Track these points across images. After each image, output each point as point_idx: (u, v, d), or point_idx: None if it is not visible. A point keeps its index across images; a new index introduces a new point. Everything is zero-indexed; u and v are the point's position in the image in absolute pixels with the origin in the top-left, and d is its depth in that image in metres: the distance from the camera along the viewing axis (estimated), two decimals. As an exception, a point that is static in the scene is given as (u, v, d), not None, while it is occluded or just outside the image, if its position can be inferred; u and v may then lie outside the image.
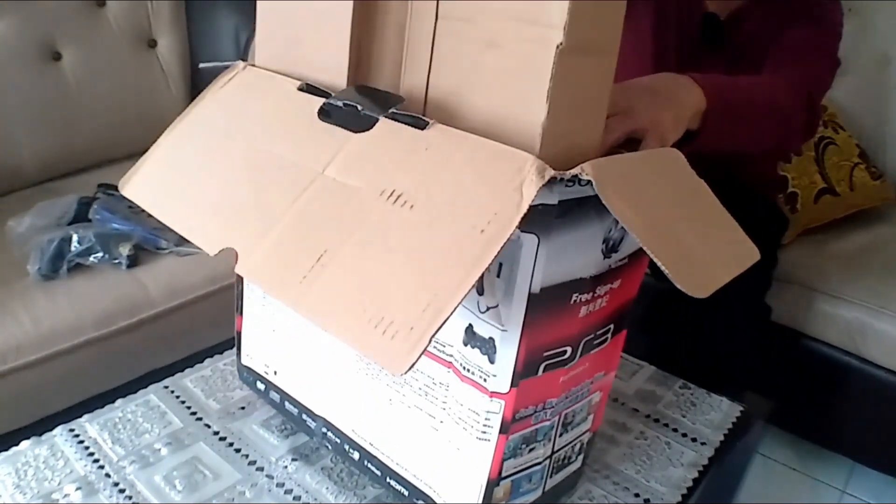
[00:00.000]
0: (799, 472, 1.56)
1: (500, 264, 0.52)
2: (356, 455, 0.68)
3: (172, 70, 1.62)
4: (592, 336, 0.59)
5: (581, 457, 0.69)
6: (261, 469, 0.71)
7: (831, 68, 1.04)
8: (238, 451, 0.73)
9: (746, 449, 0.85)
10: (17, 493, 0.67)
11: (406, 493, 0.64)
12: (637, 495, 0.71)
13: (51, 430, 0.74)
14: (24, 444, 0.72)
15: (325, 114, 0.58)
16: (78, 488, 0.67)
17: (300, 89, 0.62)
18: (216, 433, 0.75)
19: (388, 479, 0.66)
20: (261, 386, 0.77)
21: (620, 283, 0.59)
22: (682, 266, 0.48)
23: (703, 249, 0.52)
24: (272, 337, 0.73)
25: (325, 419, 0.70)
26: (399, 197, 0.49)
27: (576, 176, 0.46)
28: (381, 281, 0.46)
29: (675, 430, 0.81)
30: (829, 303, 1.39)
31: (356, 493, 0.68)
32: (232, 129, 0.63)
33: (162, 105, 1.60)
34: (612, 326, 0.62)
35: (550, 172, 0.45)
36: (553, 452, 0.63)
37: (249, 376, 0.78)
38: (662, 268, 0.46)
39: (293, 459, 0.72)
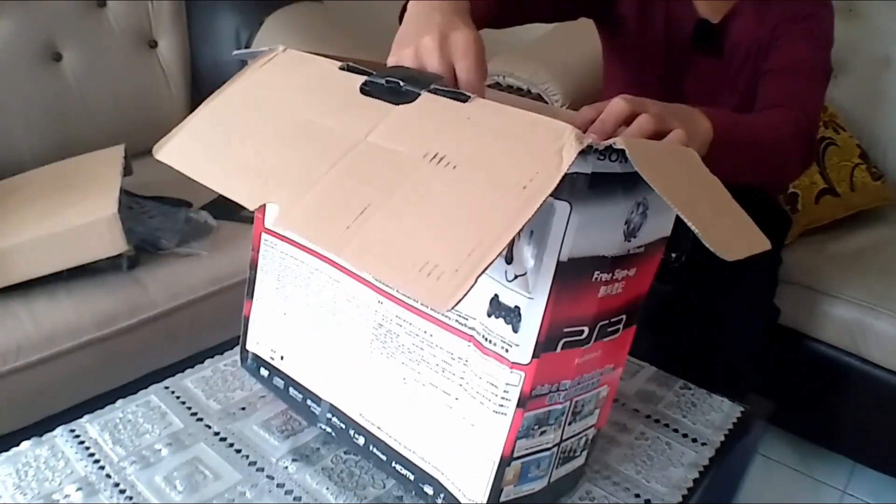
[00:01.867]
0: (799, 473, 1.56)
1: (532, 232, 0.54)
2: (361, 440, 0.68)
3: (173, 70, 1.62)
4: (607, 322, 0.61)
5: (585, 453, 0.69)
6: (261, 470, 0.71)
7: (824, 85, 1.05)
8: (238, 451, 0.73)
9: (747, 449, 0.85)
10: (17, 493, 0.67)
11: (412, 477, 0.65)
12: (637, 496, 0.71)
13: (51, 430, 0.74)
14: (25, 444, 0.73)
15: (366, 90, 0.60)
16: (78, 489, 0.67)
17: (342, 69, 0.63)
18: (217, 434, 0.75)
19: (393, 464, 0.66)
20: (264, 373, 0.77)
21: (636, 272, 0.60)
22: (713, 229, 0.49)
23: (724, 225, 0.54)
24: (282, 321, 0.74)
25: (330, 404, 0.70)
26: (442, 159, 0.51)
27: (610, 146, 0.49)
28: (425, 231, 0.48)
29: (675, 430, 0.81)
30: (830, 303, 1.38)
31: (357, 493, 0.68)
32: (272, 100, 0.65)
33: (162, 105, 1.60)
34: (624, 317, 0.63)
35: (587, 140, 0.48)
36: (561, 440, 0.64)
37: (253, 363, 0.78)
38: (692, 225, 0.47)
39: (294, 460, 0.72)
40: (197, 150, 0.65)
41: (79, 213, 1.12)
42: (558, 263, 0.53)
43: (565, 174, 0.46)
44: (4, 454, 0.71)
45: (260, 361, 0.77)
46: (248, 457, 0.72)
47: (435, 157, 0.51)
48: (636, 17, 1.08)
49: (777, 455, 1.58)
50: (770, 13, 1.04)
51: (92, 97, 1.49)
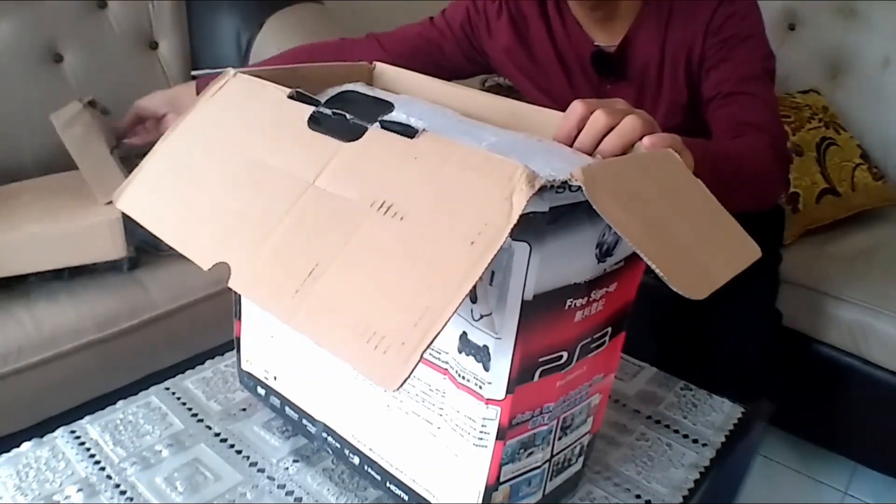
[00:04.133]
0: (801, 474, 1.55)
1: (493, 272, 0.52)
2: (356, 460, 0.68)
3: (173, 72, 1.62)
4: (589, 340, 0.59)
5: (581, 458, 0.69)
6: (262, 470, 0.71)
7: (771, 79, 0.99)
8: (239, 452, 0.73)
9: (748, 450, 0.85)
10: (18, 494, 0.67)
11: (406, 497, 0.64)
12: (638, 496, 0.71)
13: (52, 431, 0.74)
14: (26, 445, 0.73)
15: (315, 122, 0.58)
16: (79, 490, 0.67)
17: (290, 97, 0.62)
18: (217, 434, 0.75)
19: (388, 484, 0.65)
20: (261, 391, 0.77)
21: (617, 286, 0.59)
22: (679, 268, 0.47)
23: (702, 249, 0.51)
24: (271, 342, 0.73)
25: (325, 424, 0.70)
26: (389, 208, 0.49)
27: (566, 182, 0.46)
28: (373, 295, 0.46)
29: (676, 431, 0.81)
30: (831, 304, 1.38)
31: (357, 494, 0.68)
32: (223, 140, 0.63)
33: (163, 107, 1.60)
34: (609, 329, 0.61)
35: (540, 181, 0.45)
36: (552, 456, 0.63)
37: (250, 381, 0.78)
38: (657, 270, 0.45)
39: (294, 461, 0.72)
40: (152, 199, 0.64)
41: (82, 214, 1.13)
42: (523, 303, 0.51)
43: (521, 215, 0.44)
44: (5, 455, 0.71)
45: (255, 380, 0.77)
46: (248, 458, 0.72)
47: (382, 205, 0.49)
48: (549, 50, 1.06)
49: (778, 456, 1.57)
50: (672, 30, 0.99)
51: (91, 97, 1.49)
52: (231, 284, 0.53)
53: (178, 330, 1.19)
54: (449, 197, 0.48)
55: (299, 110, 0.59)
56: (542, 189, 0.45)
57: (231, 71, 0.68)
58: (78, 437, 0.74)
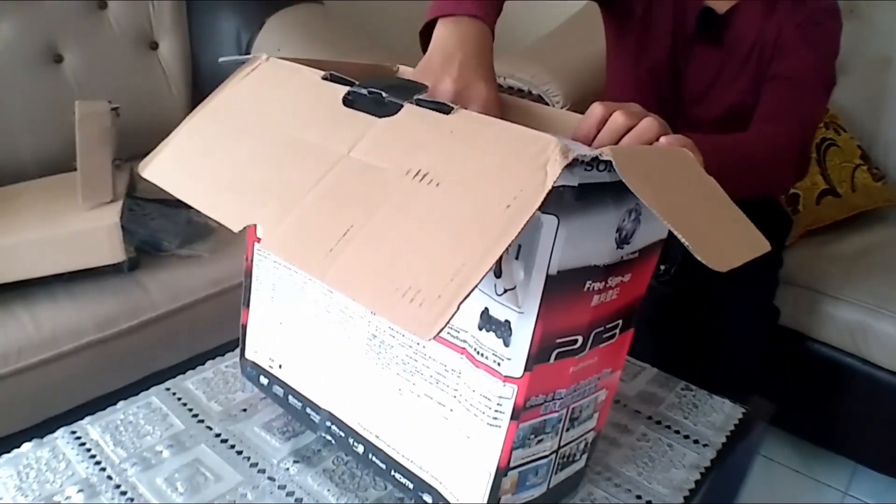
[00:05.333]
0: (801, 474, 1.55)
1: (519, 246, 0.53)
2: (360, 448, 0.68)
3: (174, 72, 1.62)
4: (602, 329, 0.60)
5: (585, 456, 0.69)
6: (262, 471, 0.71)
7: (825, 97, 1.07)
8: (240, 453, 0.73)
9: (748, 451, 0.85)
10: (18, 495, 0.67)
11: (411, 485, 0.64)
12: (639, 497, 0.71)
13: (52, 432, 0.74)
14: (26, 446, 0.72)
15: (349, 101, 0.59)
16: (79, 490, 0.67)
17: (324, 78, 0.62)
18: (218, 435, 0.75)
19: (392, 473, 0.66)
20: (264, 381, 0.77)
21: (630, 277, 0.60)
22: (703, 239, 0.49)
23: (718, 233, 0.53)
24: (279, 330, 0.73)
25: (329, 412, 0.70)
26: (425, 176, 0.50)
27: (596, 158, 0.48)
28: (408, 253, 0.47)
29: (676, 431, 0.81)
30: (831, 304, 1.38)
31: (357, 494, 0.68)
32: (255, 114, 0.64)
33: (163, 107, 1.60)
34: (620, 322, 0.62)
35: (573, 153, 0.46)
36: (559, 447, 0.64)
37: (253, 371, 0.78)
38: (683, 239, 0.46)
39: (295, 461, 0.72)
40: (181, 168, 0.65)
41: (81, 218, 1.13)
42: (547, 277, 0.52)
43: (551, 188, 0.45)
44: (5, 456, 0.71)
45: (259, 370, 0.77)
46: (249, 458, 0.72)
47: (417, 174, 0.50)
48: (645, 6, 1.08)
49: (778, 456, 1.57)
50: (777, 11, 1.04)
51: (93, 98, 1.49)
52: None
53: (178, 330, 1.19)
54: (484, 166, 0.49)
55: (334, 90, 0.60)
56: (574, 164, 0.46)
57: (263, 55, 0.69)
58: (78, 438, 0.74)
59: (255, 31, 1.61)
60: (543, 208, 0.46)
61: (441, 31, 0.70)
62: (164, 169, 0.65)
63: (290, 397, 0.74)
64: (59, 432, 0.74)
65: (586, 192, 0.51)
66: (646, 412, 0.83)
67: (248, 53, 1.60)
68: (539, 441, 0.61)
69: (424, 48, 0.73)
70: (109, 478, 0.69)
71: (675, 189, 0.52)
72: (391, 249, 0.48)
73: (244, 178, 0.60)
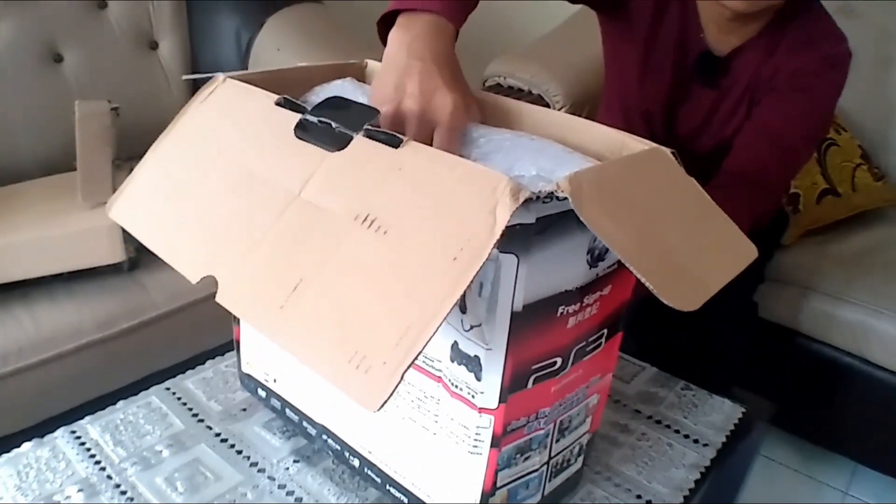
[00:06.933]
0: (801, 474, 1.55)
1: (481, 283, 0.51)
2: (356, 462, 0.68)
3: (174, 72, 1.62)
4: (584, 344, 0.59)
5: (581, 458, 0.69)
6: (262, 471, 0.71)
7: (808, 147, 1.05)
8: (239, 452, 0.73)
9: (748, 450, 0.85)
10: (18, 494, 0.67)
11: (405, 500, 0.64)
12: (639, 497, 0.71)
13: (52, 431, 0.74)
14: (26, 445, 0.72)
15: (302, 129, 0.58)
16: (79, 490, 0.67)
17: (277, 104, 0.61)
18: (217, 435, 0.75)
19: (387, 486, 0.66)
20: (262, 393, 0.77)
21: (610, 288, 0.58)
22: (669, 279, 0.47)
23: (694, 257, 0.51)
24: (270, 346, 0.73)
25: (324, 427, 0.70)
26: (373, 222, 0.48)
27: (552, 193, 0.45)
28: (355, 312, 0.46)
29: (676, 431, 0.81)
30: (832, 304, 1.38)
31: (357, 494, 0.68)
32: (213, 147, 0.63)
33: (163, 107, 1.60)
34: (605, 332, 0.61)
35: (525, 193, 0.44)
36: (550, 458, 0.63)
37: (251, 383, 0.78)
38: (647, 284, 0.45)
39: (295, 461, 0.72)
40: (143, 210, 0.64)
41: (81, 218, 1.13)
42: (512, 314, 0.51)
43: (506, 227, 0.43)
44: (5, 455, 0.71)
45: (256, 382, 0.77)
46: (249, 458, 0.72)
47: (366, 219, 0.49)
48: (648, 29, 1.04)
49: (779, 456, 1.57)
50: (778, 53, 0.99)
51: (93, 98, 1.49)
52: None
53: (178, 330, 1.19)
54: (432, 210, 0.47)
55: (286, 118, 0.59)
56: (529, 200, 0.44)
57: (220, 76, 0.68)
58: (78, 438, 0.74)
59: (255, 31, 1.61)
60: (501, 247, 0.44)
61: (396, 37, 0.65)
62: (129, 211, 0.64)
63: (287, 410, 0.74)
64: (59, 432, 0.74)
65: (547, 224, 0.49)
66: (646, 412, 0.83)
67: (248, 53, 1.60)
68: (526, 458, 0.60)
69: (383, 38, 0.68)
70: (109, 477, 0.69)
71: (645, 211, 0.50)
72: (339, 308, 0.46)
73: (201, 220, 0.59)
